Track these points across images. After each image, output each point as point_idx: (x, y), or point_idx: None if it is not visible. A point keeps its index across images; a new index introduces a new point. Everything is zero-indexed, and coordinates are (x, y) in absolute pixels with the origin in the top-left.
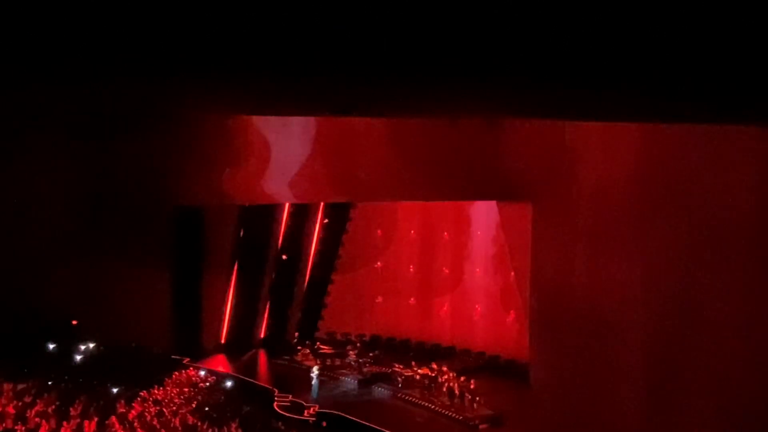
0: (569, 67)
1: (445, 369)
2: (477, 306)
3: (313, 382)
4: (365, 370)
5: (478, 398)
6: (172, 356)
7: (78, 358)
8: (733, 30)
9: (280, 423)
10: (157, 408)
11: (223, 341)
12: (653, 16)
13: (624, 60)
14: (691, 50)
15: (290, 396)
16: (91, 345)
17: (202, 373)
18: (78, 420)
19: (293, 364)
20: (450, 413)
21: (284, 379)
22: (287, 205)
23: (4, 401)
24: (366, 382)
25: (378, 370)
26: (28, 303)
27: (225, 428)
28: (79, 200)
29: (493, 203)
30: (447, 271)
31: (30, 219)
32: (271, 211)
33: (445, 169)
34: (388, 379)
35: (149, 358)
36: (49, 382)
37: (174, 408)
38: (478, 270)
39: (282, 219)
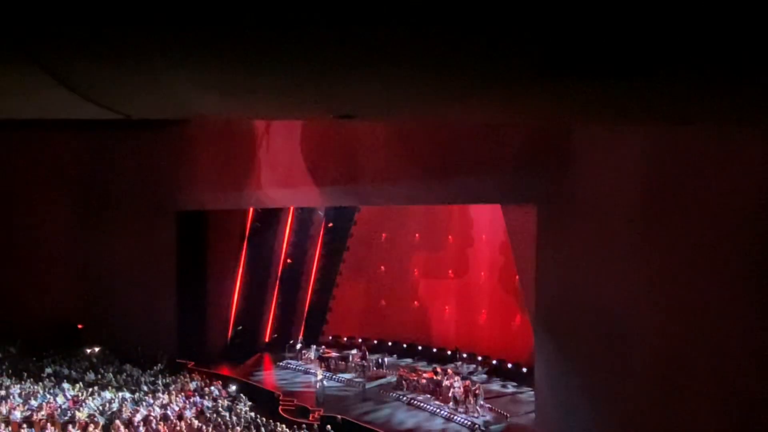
0: (571, 69)
1: (450, 373)
2: (482, 310)
3: (318, 386)
4: (370, 373)
5: (482, 402)
6: (178, 360)
7: (84, 362)
8: (734, 31)
9: (284, 427)
10: (162, 412)
11: (228, 345)
12: (654, 16)
13: (625, 61)
14: (693, 50)
15: (295, 400)
16: (97, 349)
17: (207, 377)
18: (83, 423)
19: (298, 368)
20: (455, 417)
21: (289, 383)
22: (292, 209)
23: (10, 404)
24: (371, 386)
25: (383, 373)
26: (34, 308)
27: None
28: (85, 205)
29: (498, 207)
30: (452, 274)
31: (36, 224)
32: (276, 215)
33: (449, 172)
34: (392, 382)
35: (154, 362)
36: (55, 386)
37: (179, 412)
38: (483, 274)
39: (287, 223)
